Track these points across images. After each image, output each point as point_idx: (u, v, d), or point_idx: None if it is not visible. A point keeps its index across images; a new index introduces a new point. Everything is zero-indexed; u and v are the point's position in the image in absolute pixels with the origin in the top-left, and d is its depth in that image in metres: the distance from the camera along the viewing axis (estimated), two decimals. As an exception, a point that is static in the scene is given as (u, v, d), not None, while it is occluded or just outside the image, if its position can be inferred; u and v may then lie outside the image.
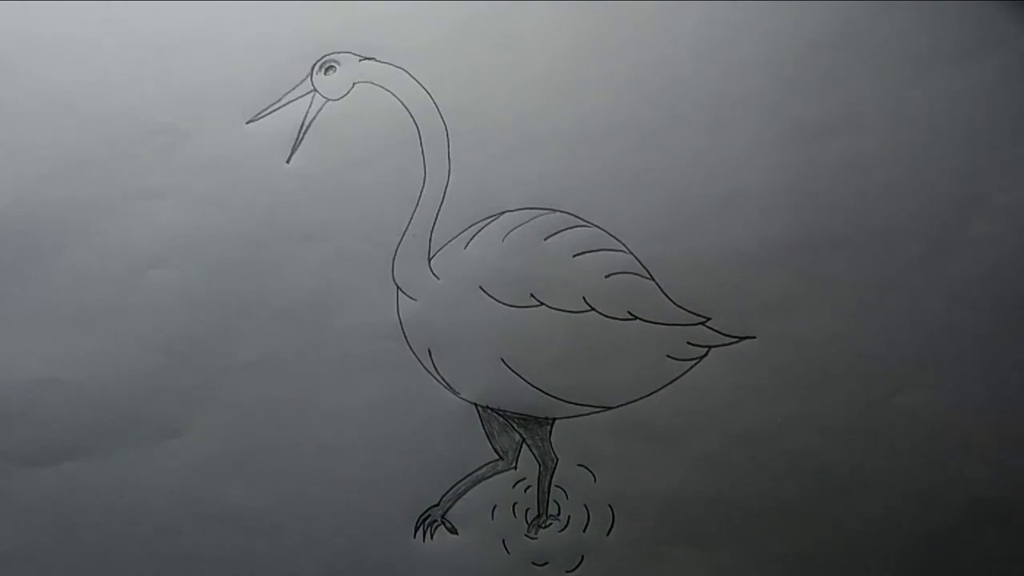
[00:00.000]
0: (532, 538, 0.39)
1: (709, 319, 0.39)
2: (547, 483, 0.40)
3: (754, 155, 0.40)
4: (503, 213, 0.40)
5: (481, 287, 0.40)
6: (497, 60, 0.41)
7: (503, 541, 0.39)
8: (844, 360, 0.39)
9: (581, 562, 0.39)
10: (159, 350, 0.40)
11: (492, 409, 0.40)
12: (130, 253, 0.41)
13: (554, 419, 0.40)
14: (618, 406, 0.39)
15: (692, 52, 0.41)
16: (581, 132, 0.41)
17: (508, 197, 0.40)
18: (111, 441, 0.40)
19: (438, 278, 0.40)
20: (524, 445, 0.40)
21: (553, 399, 0.39)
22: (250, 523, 0.40)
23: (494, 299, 0.40)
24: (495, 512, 0.40)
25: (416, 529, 0.39)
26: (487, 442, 0.40)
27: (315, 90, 0.41)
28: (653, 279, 0.40)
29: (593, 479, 0.39)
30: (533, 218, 0.40)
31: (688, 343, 0.39)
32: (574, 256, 0.40)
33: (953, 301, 0.39)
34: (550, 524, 0.40)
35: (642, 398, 0.39)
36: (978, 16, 0.41)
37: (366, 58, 0.41)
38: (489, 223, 0.40)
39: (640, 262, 0.40)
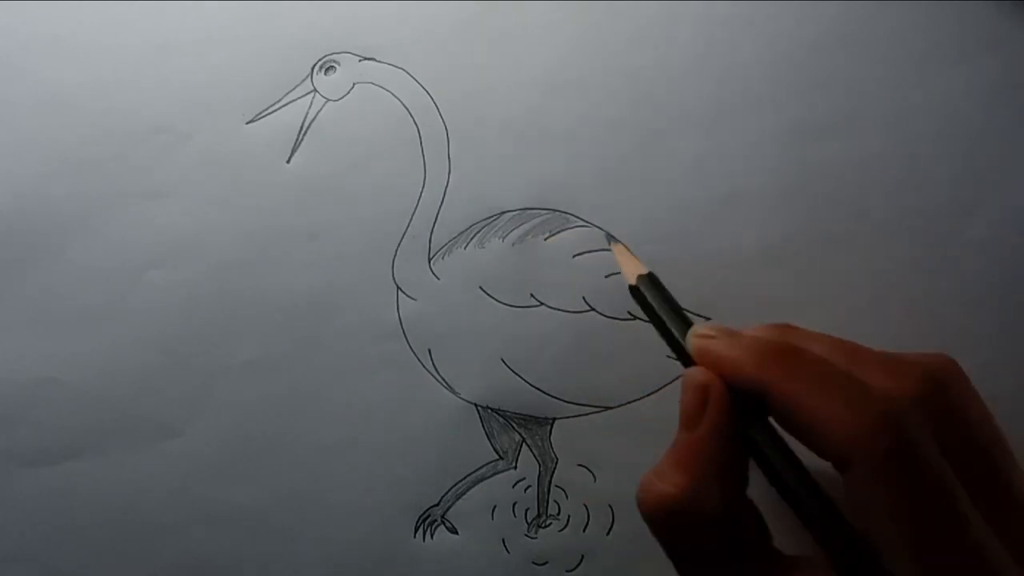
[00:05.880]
0: (532, 538, 0.39)
1: (709, 319, 0.39)
2: (547, 483, 0.40)
3: (754, 155, 0.40)
4: (503, 213, 0.40)
5: (481, 287, 0.40)
6: (497, 60, 0.41)
7: (503, 541, 0.39)
8: (844, 360, 0.39)
9: (581, 562, 0.39)
10: (159, 350, 0.40)
11: (492, 409, 0.40)
12: (130, 253, 0.41)
13: (554, 419, 0.40)
14: (618, 406, 0.39)
15: (692, 52, 0.41)
16: (581, 132, 0.41)
17: (508, 197, 0.40)
18: (111, 441, 0.40)
19: (438, 278, 0.40)
20: (524, 445, 0.40)
21: (553, 399, 0.40)
22: (250, 523, 0.40)
23: (494, 299, 0.40)
24: (495, 512, 0.40)
25: (416, 529, 0.39)
26: (487, 442, 0.40)
27: (315, 90, 0.41)
28: (653, 279, 0.40)
29: (593, 479, 0.39)
30: (533, 218, 0.40)
31: (688, 343, 0.39)
32: (574, 256, 0.40)
33: (953, 301, 0.39)
34: (550, 524, 0.40)
35: (642, 398, 0.39)
36: (978, 16, 0.41)
37: (366, 58, 0.41)
38: (489, 223, 0.40)
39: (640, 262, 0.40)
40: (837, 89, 0.40)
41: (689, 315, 0.39)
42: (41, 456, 0.40)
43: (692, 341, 0.30)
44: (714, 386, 0.29)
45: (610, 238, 0.39)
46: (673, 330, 0.31)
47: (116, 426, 0.40)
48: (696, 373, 0.29)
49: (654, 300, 0.32)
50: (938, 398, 0.27)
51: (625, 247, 0.34)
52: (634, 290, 0.33)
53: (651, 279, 0.33)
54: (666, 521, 0.28)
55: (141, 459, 0.40)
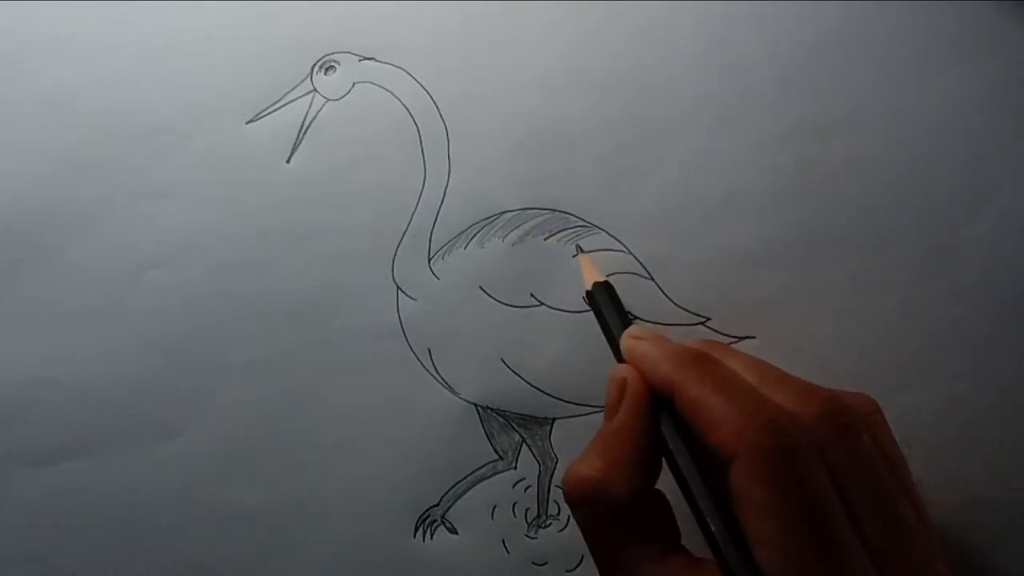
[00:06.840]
0: (532, 538, 0.39)
1: (709, 319, 0.39)
2: (547, 483, 0.40)
3: (754, 155, 0.40)
4: (503, 213, 0.40)
5: (481, 287, 0.40)
6: (497, 60, 0.41)
7: (503, 541, 0.39)
8: (844, 360, 0.39)
9: (581, 562, 0.39)
10: (159, 350, 0.40)
11: (492, 409, 0.40)
12: (130, 253, 0.41)
13: (554, 419, 0.40)
14: (618, 406, 0.39)
15: (692, 52, 0.41)
16: (581, 132, 0.41)
17: (508, 197, 0.40)
18: (111, 441, 0.40)
19: (438, 278, 0.40)
20: (524, 445, 0.40)
21: (553, 399, 0.40)
22: (250, 523, 0.40)
23: (494, 299, 0.40)
24: (495, 512, 0.40)
25: (416, 529, 0.39)
26: (487, 442, 0.40)
27: (315, 90, 0.41)
28: (653, 279, 0.40)
29: (593, 479, 0.39)
30: (533, 218, 0.40)
31: (688, 343, 0.39)
32: (574, 256, 0.40)
33: (953, 301, 0.39)
34: (550, 524, 0.40)
35: (642, 398, 0.39)
36: (978, 16, 0.41)
37: (366, 58, 0.41)
38: (489, 223, 0.40)
39: (640, 262, 0.40)
40: (837, 89, 0.40)
41: (690, 314, 0.39)
42: (41, 456, 0.40)
43: (623, 341, 0.34)
44: (632, 380, 0.32)
45: (578, 248, 0.39)
46: (614, 331, 0.35)
47: (116, 426, 0.40)
48: (619, 368, 0.33)
49: (604, 305, 0.35)
50: (835, 426, 0.29)
51: (589, 259, 0.38)
52: (588, 295, 0.36)
53: (606, 286, 0.36)
54: (583, 503, 0.31)
55: (141, 459, 0.40)
